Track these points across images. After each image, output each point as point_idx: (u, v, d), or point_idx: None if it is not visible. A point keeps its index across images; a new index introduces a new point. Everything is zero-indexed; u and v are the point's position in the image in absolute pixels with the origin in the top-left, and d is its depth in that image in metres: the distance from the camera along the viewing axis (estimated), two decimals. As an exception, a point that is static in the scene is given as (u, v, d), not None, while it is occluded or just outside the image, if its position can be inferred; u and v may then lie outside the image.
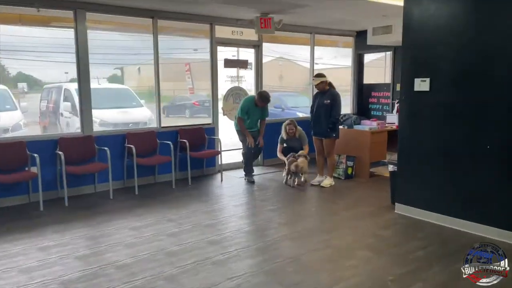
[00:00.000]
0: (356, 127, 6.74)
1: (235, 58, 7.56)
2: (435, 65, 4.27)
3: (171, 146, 5.92)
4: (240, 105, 6.23)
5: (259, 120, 6.21)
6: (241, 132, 6.10)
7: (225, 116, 7.04)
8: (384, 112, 8.50)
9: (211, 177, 6.56)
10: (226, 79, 7.06)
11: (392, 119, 7.11)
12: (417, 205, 4.51)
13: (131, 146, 5.61)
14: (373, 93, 8.98)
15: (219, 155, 6.44)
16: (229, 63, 7.02)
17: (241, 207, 5.11)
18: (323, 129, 5.81)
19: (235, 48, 7.49)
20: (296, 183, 5.92)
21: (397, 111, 6.55)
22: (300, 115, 8.57)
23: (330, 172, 6.08)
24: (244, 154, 6.24)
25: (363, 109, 9.17)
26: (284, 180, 6.03)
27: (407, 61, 4.55)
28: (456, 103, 4.13)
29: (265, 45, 7.29)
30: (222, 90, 6.96)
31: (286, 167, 5.97)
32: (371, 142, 6.44)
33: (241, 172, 6.45)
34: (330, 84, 5.86)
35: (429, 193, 4.40)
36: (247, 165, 6.22)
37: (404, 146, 4.66)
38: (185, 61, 7.26)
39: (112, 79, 6.88)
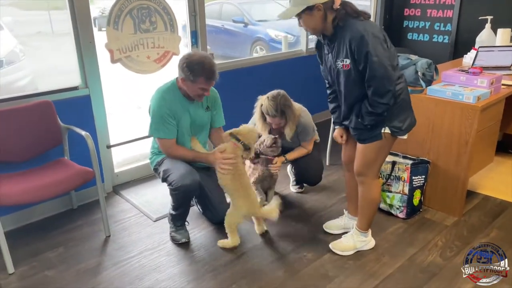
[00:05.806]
0: (433, 90, 2.86)
1: None
2: None
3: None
4: (151, 106, 2.62)
5: (206, 131, 2.83)
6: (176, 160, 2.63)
7: (118, 64, 3.02)
8: (431, 37, 4.87)
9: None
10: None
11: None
12: None
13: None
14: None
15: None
16: None
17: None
18: (358, 124, 2.22)
19: None
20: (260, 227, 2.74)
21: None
22: (272, 34, 5.64)
23: (363, 219, 2.50)
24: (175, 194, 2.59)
25: (391, 30, 5.28)
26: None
27: None
28: None
29: None
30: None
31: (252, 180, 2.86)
32: (478, 131, 2.67)
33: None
34: (344, 4, 2.05)
35: None
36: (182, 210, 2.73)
37: None
38: None
39: None
